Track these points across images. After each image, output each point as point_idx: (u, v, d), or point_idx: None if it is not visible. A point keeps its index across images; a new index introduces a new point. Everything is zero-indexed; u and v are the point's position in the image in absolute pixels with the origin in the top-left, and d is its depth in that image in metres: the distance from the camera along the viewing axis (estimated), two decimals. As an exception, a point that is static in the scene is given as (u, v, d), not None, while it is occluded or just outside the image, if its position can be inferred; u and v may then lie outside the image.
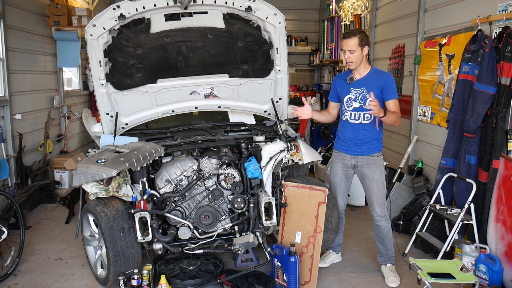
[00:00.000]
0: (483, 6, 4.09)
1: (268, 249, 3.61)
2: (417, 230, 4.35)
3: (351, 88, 3.71)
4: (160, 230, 3.59)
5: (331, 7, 9.49)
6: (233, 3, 3.63)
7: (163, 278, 3.47)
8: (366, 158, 3.75)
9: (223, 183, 3.78)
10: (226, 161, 3.85)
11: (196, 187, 3.76)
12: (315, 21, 10.72)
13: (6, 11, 5.37)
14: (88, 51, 3.70)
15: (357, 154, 3.76)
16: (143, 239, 3.45)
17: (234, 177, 3.77)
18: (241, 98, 4.37)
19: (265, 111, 4.47)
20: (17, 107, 5.66)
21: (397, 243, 4.22)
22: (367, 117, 3.68)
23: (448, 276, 3.14)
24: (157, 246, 3.58)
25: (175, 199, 3.70)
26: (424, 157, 5.26)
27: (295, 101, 8.87)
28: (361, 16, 7.56)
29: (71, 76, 8.10)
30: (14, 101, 5.57)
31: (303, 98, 3.83)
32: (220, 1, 3.61)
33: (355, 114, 3.69)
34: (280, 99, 4.33)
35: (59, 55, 6.86)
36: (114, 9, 3.50)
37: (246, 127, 4.56)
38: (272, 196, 3.71)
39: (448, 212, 4.07)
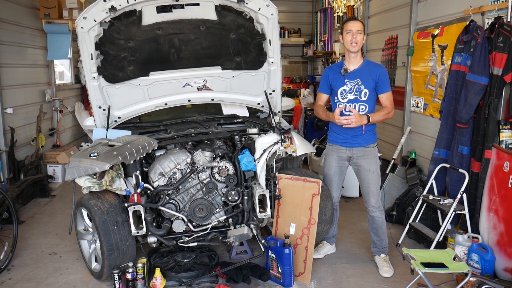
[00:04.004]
0: (475, -3, 4.09)
1: (263, 241, 3.61)
2: (410, 221, 4.37)
3: (346, 80, 3.70)
4: (154, 224, 3.58)
5: (324, -2, 9.46)
6: (225, -6, 3.60)
7: (157, 271, 3.47)
8: (362, 150, 3.76)
9: (217, 175, 3.78)
10: (220, 154, 3.84)
11: (189, 180, 3.75)
12: (308, 13, 10.68)
13: (-5, 4, 5.32)
14: (79, 44, 3.66)
15: (353, 146, 3.76)
16: (137, 232, 3.44)
17: (228, 170, 3.77)
18: (234, 90, 4.35)
19: (259, 103, 4.45)
20: (8, 101, 5.61)
21: (391, 233, 4.24)
22: (362, 108, 3.68)
23: (441, 265, 3.16)
24: (151, 239, 3.57)
25: (169, 192, 3.69)
26: (417, 148, 5.28)
27: (289, 93, 8.89)
28: (354, 7, 7.54)
29: (62, 70, 8.03)
30: (5, 95, 5.52)
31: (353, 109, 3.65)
32: None
33: (350, 106, 3.69)
34: (274, 91, 4.31)
35: (50, 47, 6.79)
36: (104, 1, 3.45)
37: (240, 120, 4.54)
38: (266, 188, 3.71)
39: (441, 202, 4.09)
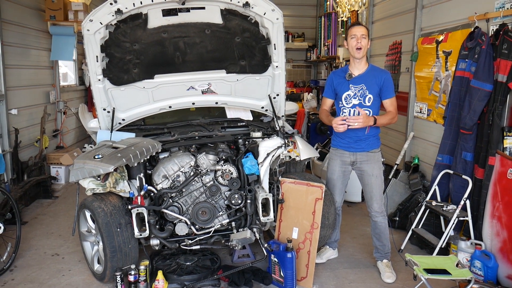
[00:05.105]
0: (480, 3, 4.09)
1: (265, 245, 3.62)
2: (413, 226, 4.37)
3: (350, 85, 3.71)
4: (157, 226, 3.59)
5: (328, 3, 9.47)
6: (230, -2, 3.62)
7: (160, 274, 3.48)
8: (366, 155, 3.76)
9: (220, 179, 3.78)
10: (223, 157, 3.85)
11: (193, 183, 3.76)
12: (312, 17, 10.70)
13: (1, 5, 5.34)
14: (85, 46, 3.68)
15: (357, 151, 3.77)
16: (140, 235, 3.45)
17: (231, 173, 3.77)
18: (239, 94, 4.36)
19: (263, 107, 4.47)
20: (13, 102, 5.63)
21: (393, 239, 4.24)
22: (366, 113, 3.69)
23: (444, 272, 3.15)
24: (154, 242, 3.58)
25: (172, 195, 3.70)
26: (420, 154, 5.28)
27: (292, 97, 8.90)
28: (358, 12, 7.55)
29: (67, 71, 8.06)
30: (10, 96, 5.54)
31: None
32: None
33: (354, 111, 3.70)
34: (278, 95, 4.32)
35: (53, 48, 6.82)
36: (111, 4, 3.47)
37: (243, 123, 4.56)
38: (269, 192, 3.72)
39: (444, 208, 4.09)
